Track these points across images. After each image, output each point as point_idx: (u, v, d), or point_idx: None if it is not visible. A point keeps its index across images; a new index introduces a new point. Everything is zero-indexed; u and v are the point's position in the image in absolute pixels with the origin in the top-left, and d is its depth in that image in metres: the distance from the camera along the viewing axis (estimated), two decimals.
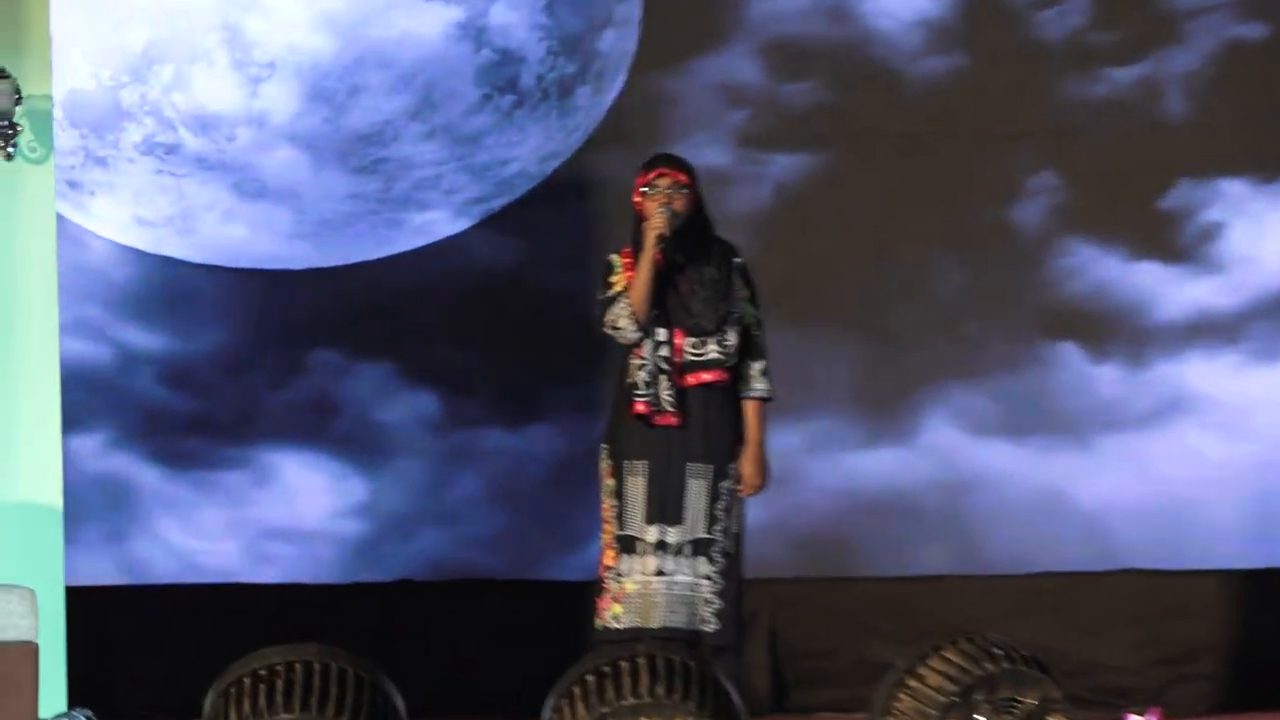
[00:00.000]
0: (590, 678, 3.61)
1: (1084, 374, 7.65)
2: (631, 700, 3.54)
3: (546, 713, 3.65)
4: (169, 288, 7.82)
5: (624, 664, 3.61)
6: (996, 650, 3.55)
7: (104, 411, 7.77)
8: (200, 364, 7.78)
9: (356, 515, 7.79)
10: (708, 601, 5.87)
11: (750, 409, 6.04)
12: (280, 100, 7.74)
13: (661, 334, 5.93)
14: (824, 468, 7.78)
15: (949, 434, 7.74)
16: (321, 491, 7.82)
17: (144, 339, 7.85)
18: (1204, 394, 7.65)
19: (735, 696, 3.72)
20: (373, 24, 7.84)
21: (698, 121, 7.74)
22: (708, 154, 7.52)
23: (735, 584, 6.01)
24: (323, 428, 7.76)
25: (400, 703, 3.95)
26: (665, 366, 5.89)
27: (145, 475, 7.82)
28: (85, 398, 7.61)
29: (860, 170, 7.68)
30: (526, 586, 7.66)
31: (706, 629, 5.89)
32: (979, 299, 7.71)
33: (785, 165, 7.73)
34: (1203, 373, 7.65)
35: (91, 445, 7.74)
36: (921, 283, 7.71)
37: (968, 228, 7.72)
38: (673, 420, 5.89)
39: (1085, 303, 7.66)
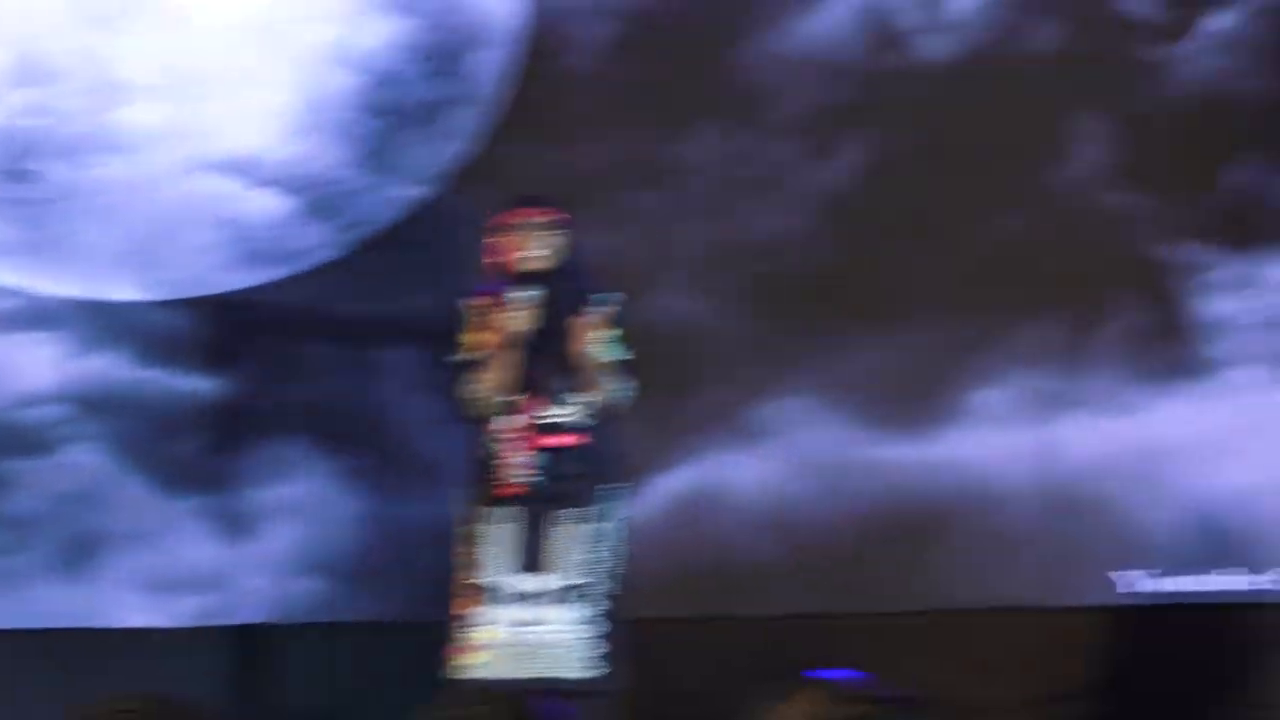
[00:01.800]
0: None
1: None
2: None
3: None
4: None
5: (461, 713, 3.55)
6: (872, 693, 3.31)
7: None
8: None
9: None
10: (581, 647, 5.94)
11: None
12: (141, 125, 7.74)
13: (515, 409, 5.94)
14: (705, 507, 7.72)
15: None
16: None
17: None
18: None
19: None
20: (242, 46, 7.94)
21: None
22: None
23: (611, 627, 6.06)
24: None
25: None
26: (517, 437, 5.92)
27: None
28: None
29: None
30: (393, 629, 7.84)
31: (583, 675, 5.92)
32: None
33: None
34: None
35: None
36: None
37: None
38: (523, 490, 5.96)
39: None
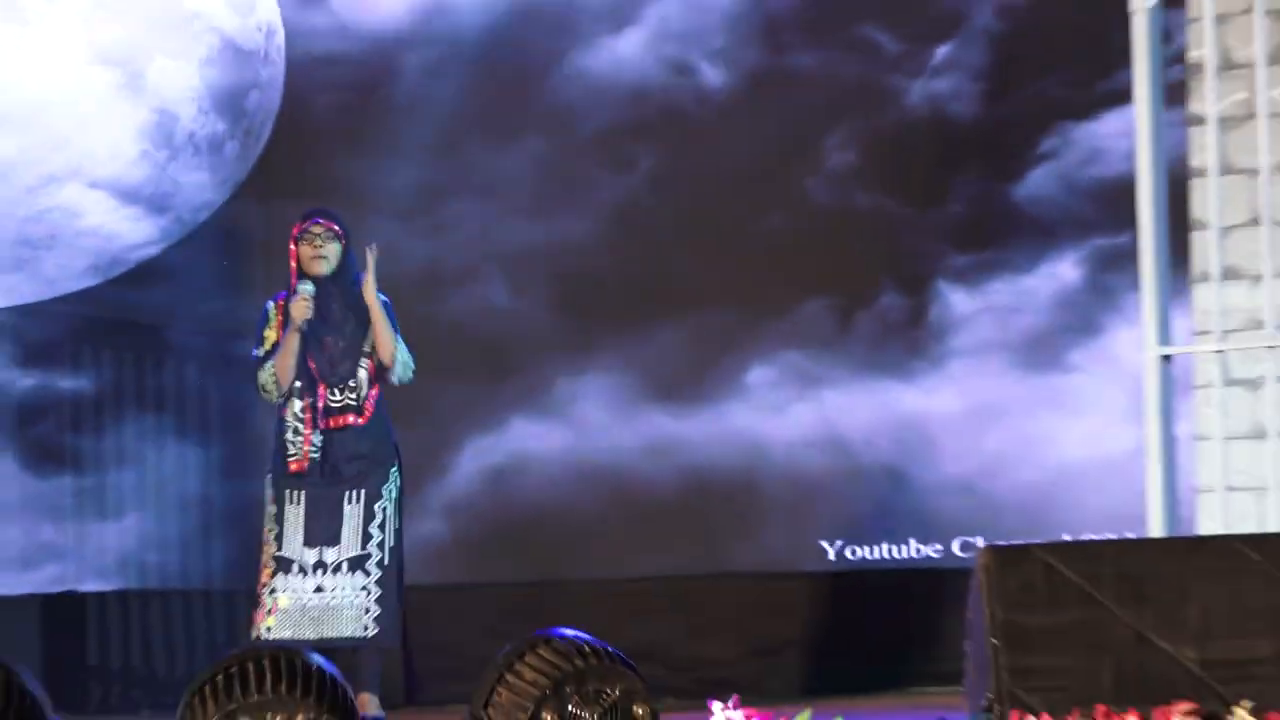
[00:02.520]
0: (220, 678, 3.76)
1: None
2: (256, 697, 3.70)
3: (180, 710, 3.79)
4: None
5: (250, 665, 3.79)
6: (585, 647, 3.79)
7: None
8: None
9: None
10: (368, 610, 6.34)
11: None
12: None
13: (304, 394, 6.39)
14: (467, 476, 8.33)
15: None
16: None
17: None
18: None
19: (349, 691, 3.82)
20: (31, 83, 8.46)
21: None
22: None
23: (394, 591, 6.43)
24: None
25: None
26: (306, 419, 6.37)
27: None
28: None
29: None
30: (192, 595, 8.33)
31: (369, 634, 6.32)
32: None
33: None
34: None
35: None
36: None
37: None
38: (307, 467, 6.40)
39: None
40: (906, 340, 8.37)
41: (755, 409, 8.37)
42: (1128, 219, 6.26)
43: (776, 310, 8.36)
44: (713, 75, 8.57)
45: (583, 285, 8.52)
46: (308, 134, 8.52)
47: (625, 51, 8.53)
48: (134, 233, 8.43)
